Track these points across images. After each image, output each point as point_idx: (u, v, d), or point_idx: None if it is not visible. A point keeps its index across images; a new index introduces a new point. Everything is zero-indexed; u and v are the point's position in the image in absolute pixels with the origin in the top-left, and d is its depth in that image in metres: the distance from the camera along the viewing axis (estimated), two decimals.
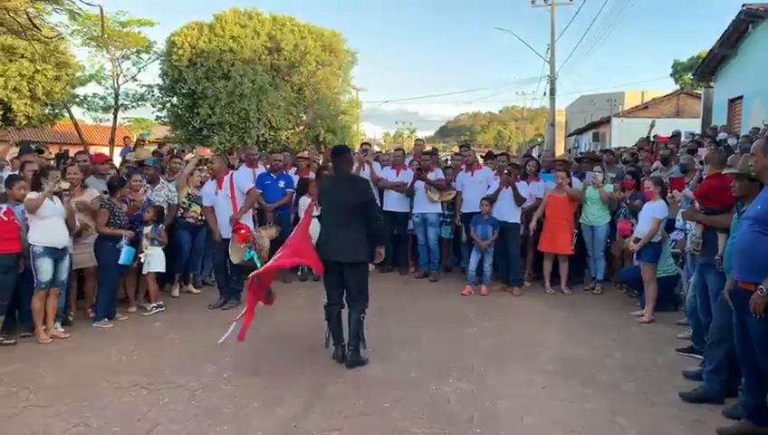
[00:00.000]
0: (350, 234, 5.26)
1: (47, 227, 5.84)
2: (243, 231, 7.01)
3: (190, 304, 7.51)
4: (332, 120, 24.70)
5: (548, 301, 7.77)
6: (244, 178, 7.83)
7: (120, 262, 6.55)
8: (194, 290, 8.11)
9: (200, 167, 8.26)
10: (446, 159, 11.16)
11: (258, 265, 7.16)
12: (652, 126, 14.38)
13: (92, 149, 19.72)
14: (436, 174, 8.89)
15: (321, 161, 10.39)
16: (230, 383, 4.86)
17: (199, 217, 7.79)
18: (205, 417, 4.23)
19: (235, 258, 7.06)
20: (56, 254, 5.90)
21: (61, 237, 5.95)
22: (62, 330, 6.14)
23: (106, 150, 23.58)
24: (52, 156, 9.48)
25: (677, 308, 7.04)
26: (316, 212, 8.37)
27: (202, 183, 7.90)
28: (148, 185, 7.49)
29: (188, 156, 11.11)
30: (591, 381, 4.97)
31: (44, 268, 5.79)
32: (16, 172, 6.82)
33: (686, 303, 5.84)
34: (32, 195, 5.82)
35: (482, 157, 10.79)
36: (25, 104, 18.09)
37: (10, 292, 5.78)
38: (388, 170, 9.23)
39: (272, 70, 23.23)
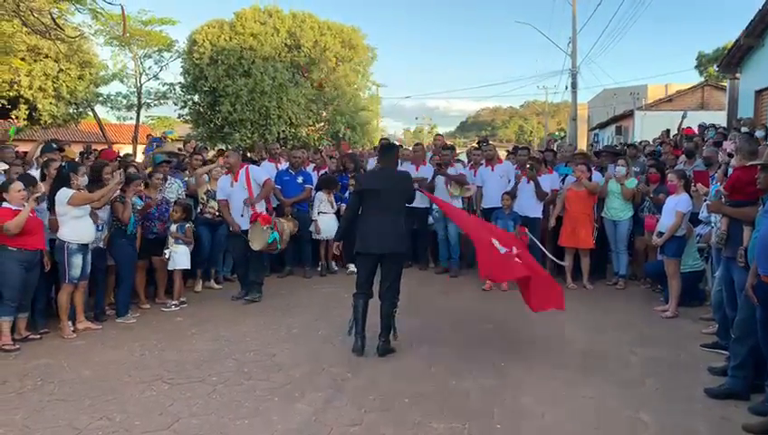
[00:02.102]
0: (394, 226, 5.38)
1: (80, 225, 6.01)
2: (264, 214, 7.21)
3: (211, 299, 7.57)
4: (352, 117, 24.68)
5: (570, 296, 7.64)
6: (262, 170, 7.99)
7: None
8: (215, 286, 8.19)
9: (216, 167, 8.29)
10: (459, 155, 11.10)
11: (279, 247, 7.29)
12: (684, 117, 14.09)
13: (116, 148, 19.95)
14: (455, 169, 8.86)
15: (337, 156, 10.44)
16: (250, 378, 4.88)
17: (216, 213, 7.85)
18: (225, 411, 4.26)
19: (257, 244, 7.14)
20: (85, 250, 6.09)
21: (91, 234, 6.14)
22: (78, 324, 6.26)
23: (129, 149, 23.86)
24: (75, 153, 9.60)
25: (702, 303, 6.94)
26: (331, 209, 8.57)
27: None
28: (163, 184, 7.54)
29: (210, 154, 11.20)
30: (614, 376, 4.92)
31: (77, 264, 5.98)
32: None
33: (712, 297, 5.75)
34: (74, 191, 6.00)
35: (508, 152, 10.73)
36: (50, 103, 18.35)
37: (33, 288, 5.88)
38: (407, 166, 9.20)
39: (292, 67, 23.26)
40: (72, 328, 6.05)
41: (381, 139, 12.53)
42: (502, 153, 10.76)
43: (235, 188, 7.44)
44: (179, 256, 7.15)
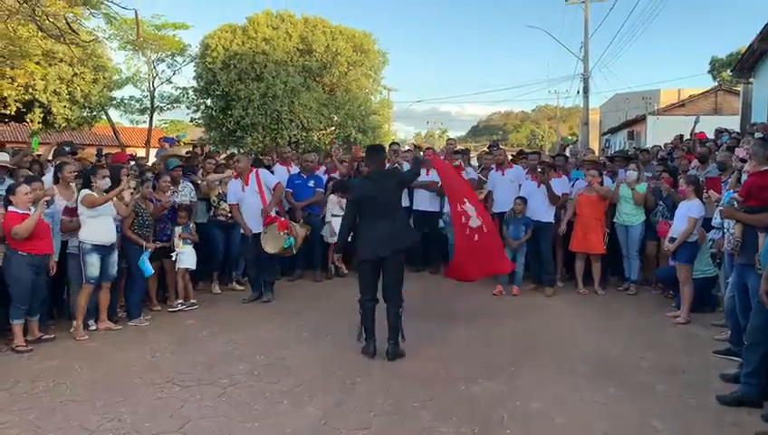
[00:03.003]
0: (391, 227, 5.38)
1: (97, 226, 6.11)
2: (282, 219, 7.30)
3: (222, 302, 7.61)
4: (363, 121, 24.71)
5: (581, 301, 7.66)
6: (271, 174, 8.09)
7: (146, 276, 6.71)
8: (237, 287, 8.29)
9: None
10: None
11: (294, 252, 7.36)
12: (696, 122, 13.96)
13: (130, 150, 20.09)
14: (467, 173, 8.85)
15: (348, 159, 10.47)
16: (261, 381, 4.90)
17: (228, 215, 7.92)
18: (235, 414, 4.28)
19: (272, 247, 7.23)
20: (104, 251, 6.17)
21: (109, 235, 6.20)
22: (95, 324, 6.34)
23: (142, 152, 24.01)
24: (92, 155, 9.67)
25: (715, 310, 6.88)
26: (341, 212, 8.59)
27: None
28: (173, 187, 7.61)
29: (221, 157, 11.27)
30: (625, 382, 4.89)
31: (92, 263, 6.07)
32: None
33: (725, 303, 5.71)
34: (88, 192, 6.12)
35: (513, 156, 10.70)
36: (65, 107, 18.49)
37: (43, 291, 5.94)
38: None
39: (303, 71, 23.33)
40: (83, 330, 6.11)
41: (392, 143, 12.50)
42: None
43: (247, 193, 7.53)
44: (186, 256, 7.28)
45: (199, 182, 8.26)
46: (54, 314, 6.62)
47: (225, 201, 7.91)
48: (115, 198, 6.26)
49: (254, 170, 7.71)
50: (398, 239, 5.37)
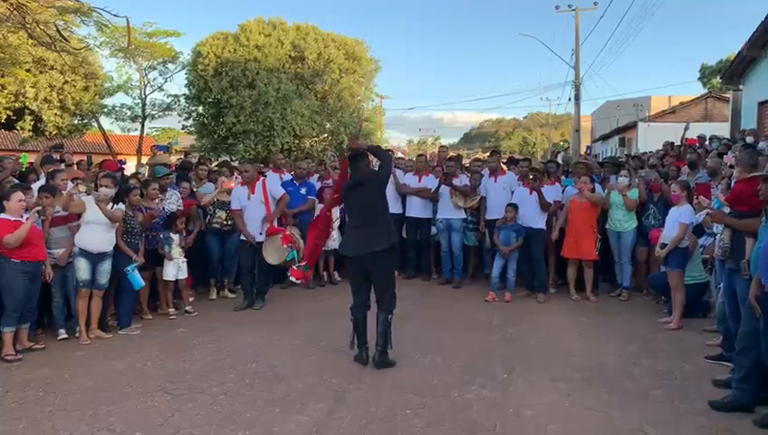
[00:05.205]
0: (374, 229, 5.35)
1: (86, 232, 6.20)
2: (287, 233, 7.34)
3: (215, 309, 7.58)
4: (356, 128, 24.77)
5: (573, 308, 7.67)
6: (276, 183, 8.13)
7: (136, 288, 6.66)
8: (230, 295, 8.26)
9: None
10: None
11: (297, 263, 7.40)
12: (686, 129, 14.04)
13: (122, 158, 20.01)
14: (460, 180, 8.87)
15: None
16: (252, 389, 4.87)
17: (225, 223, 7.88)
18: (227, 422, 4.25)
19: (274, 259, 7.27)
20: (92, 257, 6.19)
21: (95, 244, 6.22)
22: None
23: (134, 160, 23.92)
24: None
25: (706, 315, 6.90)
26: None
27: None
28: (161, 195, 7.56)
29: (213, 164, 11.24)
30: (618, 388, 4.88)
31: (80, 267, 6.14)
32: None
33: (716, 309, 5.72)
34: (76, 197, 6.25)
35: (504, 162, 10.75)
36: (55, 114, 18.42)
37: (36, 299, 5.90)
38: (410, 176, 9.24)
39: (296, 78, 23.38)
40: (85, 336, 6.17)
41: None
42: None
43: (252, 201, 7.52)
44: (185, 265, 7.32)
45: (195, 190, 8.24)
46: (45, 322, 6.56)
47: (222, 209, 7.89)
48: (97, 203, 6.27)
49: (261, 179, 7.74)
50: (374, 241, 5.29)
